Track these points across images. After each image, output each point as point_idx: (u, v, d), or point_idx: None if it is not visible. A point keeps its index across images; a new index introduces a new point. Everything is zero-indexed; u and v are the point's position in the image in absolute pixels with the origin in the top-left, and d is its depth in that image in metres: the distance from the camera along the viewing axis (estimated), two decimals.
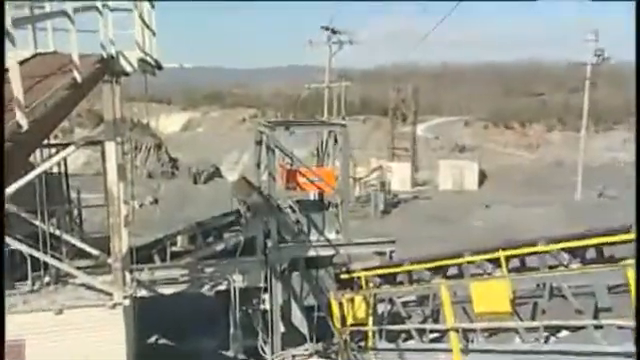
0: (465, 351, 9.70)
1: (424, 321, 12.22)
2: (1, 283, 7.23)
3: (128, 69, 8.77)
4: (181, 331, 15.78)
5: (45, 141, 9.59)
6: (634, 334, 7.11)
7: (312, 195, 16.35)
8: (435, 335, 11.46)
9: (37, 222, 10.26)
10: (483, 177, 53.16)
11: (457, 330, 9.61)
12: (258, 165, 15.73)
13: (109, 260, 9.86)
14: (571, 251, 10.12)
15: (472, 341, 10.33)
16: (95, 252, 10.96)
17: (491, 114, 73.86)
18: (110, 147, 9.19)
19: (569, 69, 47.85)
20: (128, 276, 9.89)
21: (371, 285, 13.85)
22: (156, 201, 39.50)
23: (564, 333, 9.33)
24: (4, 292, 7.56)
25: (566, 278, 8.85)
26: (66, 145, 10.36)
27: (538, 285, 10.16)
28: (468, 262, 11.87)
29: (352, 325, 12.69)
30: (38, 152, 10.58)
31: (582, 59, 40.70)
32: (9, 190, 7.16)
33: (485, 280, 9.90)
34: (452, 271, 12.50)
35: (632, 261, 7.79)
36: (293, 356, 13.56)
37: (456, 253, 12.36)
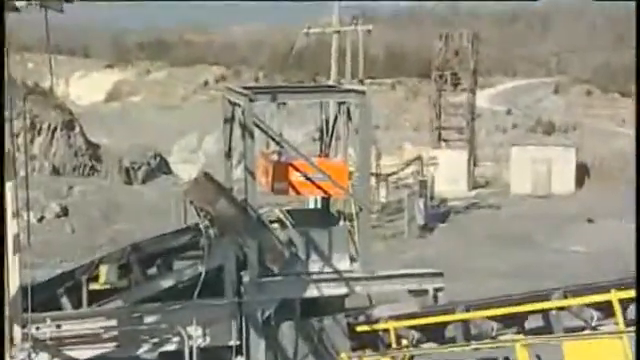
0: None
1: None
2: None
3: (17, 1, 8.72)
4: None
5: None
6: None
7: (313, 202, 16.27)
8: None
9: None
10: (584, 173, 53.07)
11: None
12: (228, 155, 15.69)
13: None
14: None
15: None
16: None
17: (597, 74, 73.65)
18: None
19: None
20: (18, 331, 9.84)
21: (405, 342, 13.82)
22: (66, 212, 39.51)
23: None
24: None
25: None
26: None
27: None
28: (559, 308, 11.85)
29: None
30: None
31: None
32: None
33: (588, 337, 9.85)
34: (534, 322, 12.49)
35: None
36: None
37: (540, 294, 12.32)
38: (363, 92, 14.80)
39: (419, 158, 45.83)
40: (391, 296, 15.09)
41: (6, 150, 9.36)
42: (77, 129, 52.68)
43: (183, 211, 15.80)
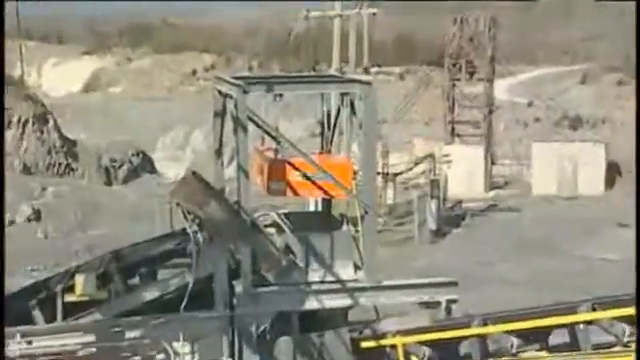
0: None
1: None
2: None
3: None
4: None
5: None
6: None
7: (313, 203, 16.30)
8: None
9: None
10: (615, 172, 52.94)
11: None
12: (219, 152, 15.71)
13: None
14: None
15: None
16: None
17: (629, 61, 73.47)
18: None
19: None
20: None
21: None
22: (38, 215, 39.49)
23: None
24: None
25: None
26: None
27: None
28: (587, 322, 11.86)
29: None
30: None
31: None
32: None
33: (619, 354, 9.85)
34: (559, 338, 12.49)
35: None
36: None
37: (566, 306, 12.32)
38: (368, 82, 14.79)
39: (431, 155, 45.77)
40: (399, 308, 15.08)
41: None
42: (51, 123, 52.69)
43: (169, 214, 15.75)
